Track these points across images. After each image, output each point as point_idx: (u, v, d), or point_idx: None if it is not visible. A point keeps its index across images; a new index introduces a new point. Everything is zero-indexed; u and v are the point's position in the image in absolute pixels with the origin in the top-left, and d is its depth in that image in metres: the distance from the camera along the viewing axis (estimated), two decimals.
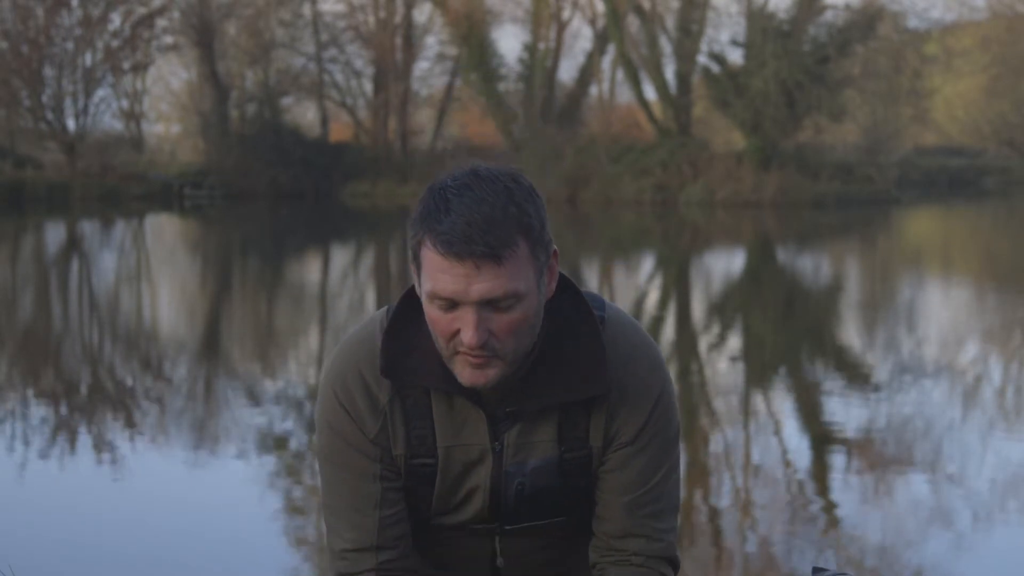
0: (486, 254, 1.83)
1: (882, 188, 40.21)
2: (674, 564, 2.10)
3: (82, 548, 4.96)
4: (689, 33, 40.19)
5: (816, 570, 2.35)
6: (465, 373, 1.91)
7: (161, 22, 42.18)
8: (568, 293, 2.04)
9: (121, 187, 37.72)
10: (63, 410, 7.94)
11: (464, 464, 2.03)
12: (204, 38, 41.35)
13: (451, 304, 1.87)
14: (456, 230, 1.83)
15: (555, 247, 1.96)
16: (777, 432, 7.35)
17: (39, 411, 7.85)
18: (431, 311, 1.91)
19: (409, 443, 2.03)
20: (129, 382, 9.16)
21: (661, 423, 2.06)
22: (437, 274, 1.86)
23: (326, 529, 2.11)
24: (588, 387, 1.99)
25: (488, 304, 1.86)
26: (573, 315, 2.02)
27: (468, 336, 1.86)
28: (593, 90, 44.07)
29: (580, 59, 44.10)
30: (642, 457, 2.04)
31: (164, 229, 29.48)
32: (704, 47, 40.53)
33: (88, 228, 28.32)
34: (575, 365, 1.99)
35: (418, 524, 2.12)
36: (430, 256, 1.87)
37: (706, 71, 39.99)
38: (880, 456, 6.74)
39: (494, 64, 41.83)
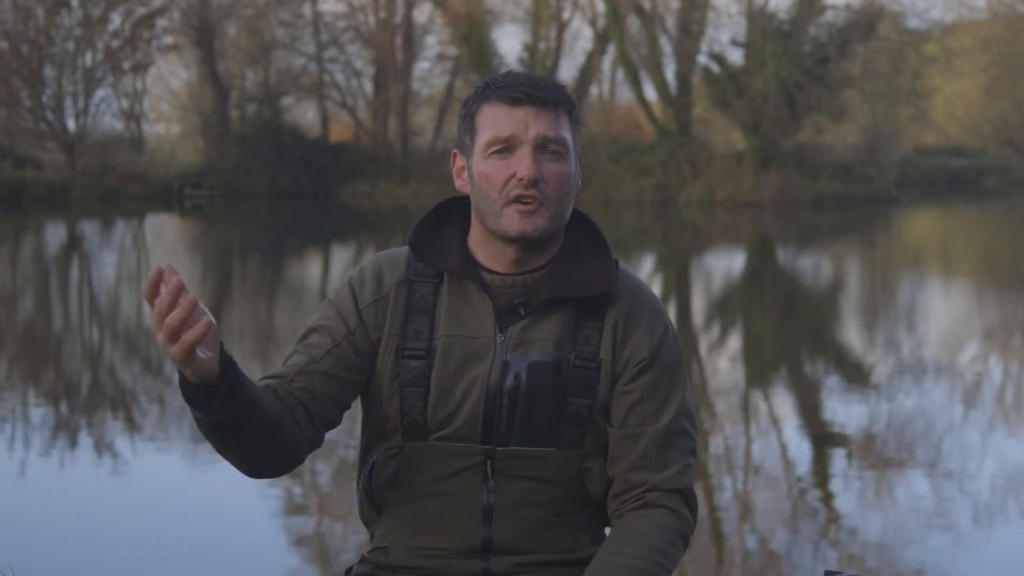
0: (546, 101, 2.07)
1: (882, 188, 40.20)
2: (689, 499, 2.15)
3: (82, 548, 4.95)
4: (689, 33, 40.19)
5: (828, 574, 2.35)
6: (514, 221, 2.06)
7: (161, 22, 42.17)
8: (586, 224, 2.21)
9: (121, 187, 37.68)
10: (63, 410, 7.94)
11: (465, 356, 2.10)
12: (204, 38, 41.32)
13: (508, 148, 2.06)
14: (520, 82, 2.09)
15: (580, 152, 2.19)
16: (777, 432, 7.35)
17: (39, 411, 7.85)
18: (486, 167, 2.08)
19: (405, 332, 2.12)
20: (129, 382, 9.16)
21: (675, 352, 2.17)
22: (498, 121, 2.08)
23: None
24: (594, 286, 2.12)
25: (542, 147, 2.06)
26: (587, 236, 2.19)
27: (524, 169, 2.04)
28: (593, 90, 44.08)
29: (580, 59, 44.15)
30: (663, 385, 2.14)
31: (164, 229, 29.47)
32: (704, 47, 40.56)
33: (88, 228, 28.31)
34: (584, 270, 2.14)
35: (410, 467, 2.13)
36: (490, 110, 2.10)
37: (706, 71, 39.98)
38: (880, 455, 6.74)
39: (494, 64, 41.80)
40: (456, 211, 2.21)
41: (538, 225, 2.06)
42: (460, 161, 2.16)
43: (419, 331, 2.12)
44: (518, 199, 2.06)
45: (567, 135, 2.09)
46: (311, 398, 2.11)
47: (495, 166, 2.07)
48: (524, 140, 2.06)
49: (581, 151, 2.18)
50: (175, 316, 1.80)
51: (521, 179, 2.05)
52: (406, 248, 2.19)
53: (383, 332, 2.13)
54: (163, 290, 1.82)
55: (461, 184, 2.16)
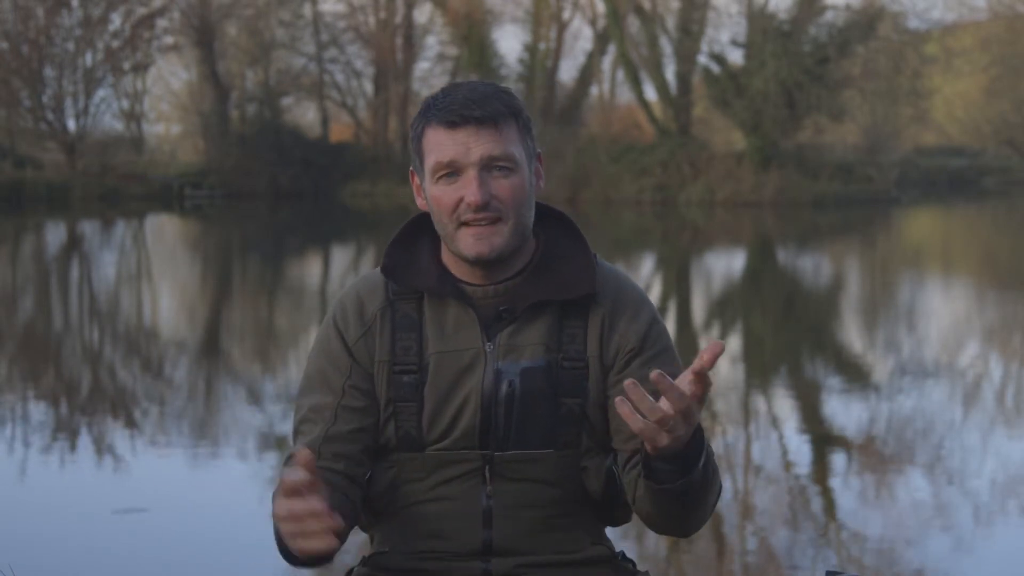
0: (484, 118, 2.03)
1: (882, 188, 40.19)
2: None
3: (82, 548, 4.96)
4: (689, 33, 40.19)
5: (829, 574, 2.35)
6: (469, 244, 2.05)
7: (161, 22, 42.19)
8: (563, 223, 2.19)
9: (121, 187, 37.69)
10: (63, 410, 7.94)
11: (457, 370, 2.09)
12: (204, 38, 41.33)
13: (453, 172, 2.04)
14: (456, 102, 2.04)
15: (540, 150, 2.16)
16: (777, 432, 7.35)
17: (39, 411, 7.85)
18: (435, 191, 2.06)
19: (394, 352, 2.11)
20: (129, 382, 9.16)
21: (663, 338, 2.16)
22: (440, 146, 2.04)
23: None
24: (577, 287, 2.11)
25: (488, 167, 2.03)
26: (565, 235, 2.18)
27: (471, 193, 2.01)
28: (593, 90, 44.09)
29: (580, 59, 44.16)
30: (657, 366, 2.09)
31: (164, 229, 29.47)
32: (704, 47, 40.56)
33: (88, 228, 28.31)
34: (566, 271, 2.12)
35: (407, 476, 2.13)
36: (432, 134, 2.06)
37: (706, 71, 39.99)
38: (880, 456, 6.75)
39: (494, 64, 41.83)
40: (428, 226, 2.18)
41: (495, 245, 2.04)
42: (417, 179, 2.15)
43: (408, 347, 2.11)
44: (469, 223, 2.04)
45: (513, 148, 2.05)
46: (347, 464, 2.10)
47: (444, 191, 2.05)
48: (467, 163, 2.03)
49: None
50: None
51: (469, 204, 2.02)
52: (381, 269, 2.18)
53: (375, 361, 2.12)
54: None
55: (421, 203, 2.15)
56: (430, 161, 2.06)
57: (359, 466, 2.11)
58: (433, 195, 2.07)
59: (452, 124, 2.03)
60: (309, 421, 2.12)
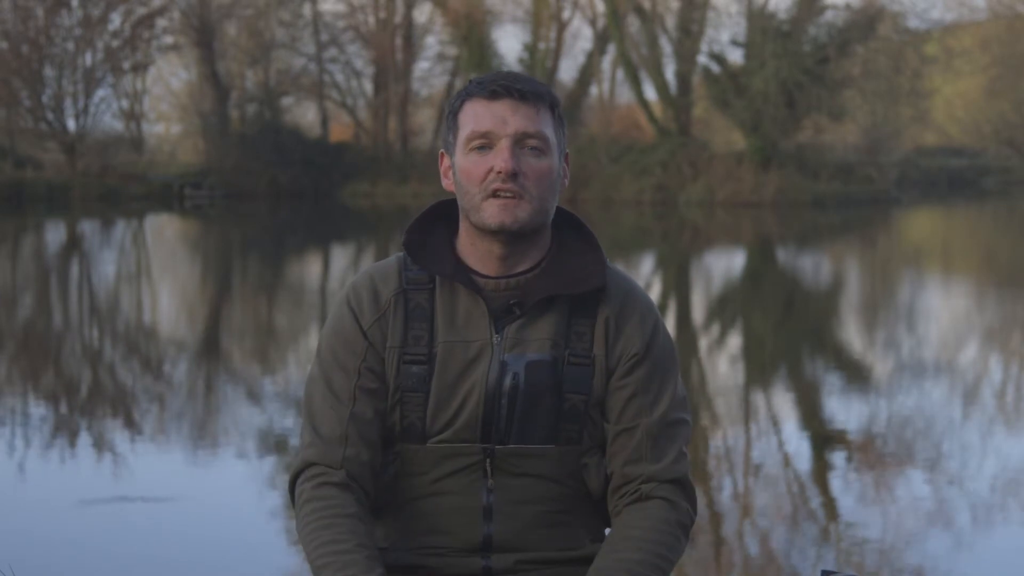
0: (524, 95, 2.09)
1: (882, 188, 40.19)
2: (686, 488, 2.17)
3: (82, 548, 4.95)
4: (689, 33, 40.18)
5: (825, 573, 2.35)
6: (494, 213, 2.07)
7: (161, 22, 42.15)
8: (574, 223, 2.22)
9: (121, 187, 37.67)
10: (63, 410, 7.94)
11: (464, 361, 2.11)
12: (204, 38, 41.31)
13: (487, 144, 2.07)
14: (499, 78, 2.12)
15: (568, 151, 2.21)
16: (777, 432, 7.35)
17: (39, 411, 7.85)
18: (466, 162, 2.09)
19: (405, 339, 2.13)
20: (129, 382, 9.16)
21: (668, 349, 2.19)
22: (477, 117, 2.08)
23: (301, 425, 2.19)
24: (588, 280, 2.13)
25: (521, 143, 2.05)
26: (577, 235, 2.20)
27: (502, 161, 2.05)
28: (593, 90, 44.06)
29: (580, 59, 44.11)
30: (656, 378, 2.15)
31: (164, 229, 29.46)
32: (704, 47, 40.54)
33: (88, 228, 28.30)
34: (577, 266, 2.15)
35: (409, 469, 2.13)
36: (471, 106, 2.09)
37: (706, 71, 39.98)
38: (880, 456, 6.75)
39: (494, 64, 41.77)
40: (444, 216, 2.21)
41: (518, 217, 2.07)
42: (446, 161, 2.17)
43: (419, 336, 2.13)
44: (496, 193, 2.06)
45: (547, 131, 2.10)
46: (372, 455, 2.12)
47: (475, 161, 2.08)
48: (502, 135, 2.07)
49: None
50: None
51: (499, 172, 2.05)
52: (394, 259, 2.20)
53: (387, 346, 2.14)
54: None
55: (448, 184, 2.17)
56: (465, 131, 2.09)
57: (379, 455, 2.13)
58: (463, 166, 2.09)
59: (493, 94, 2.08)
60: (326, 406, 2.13)
